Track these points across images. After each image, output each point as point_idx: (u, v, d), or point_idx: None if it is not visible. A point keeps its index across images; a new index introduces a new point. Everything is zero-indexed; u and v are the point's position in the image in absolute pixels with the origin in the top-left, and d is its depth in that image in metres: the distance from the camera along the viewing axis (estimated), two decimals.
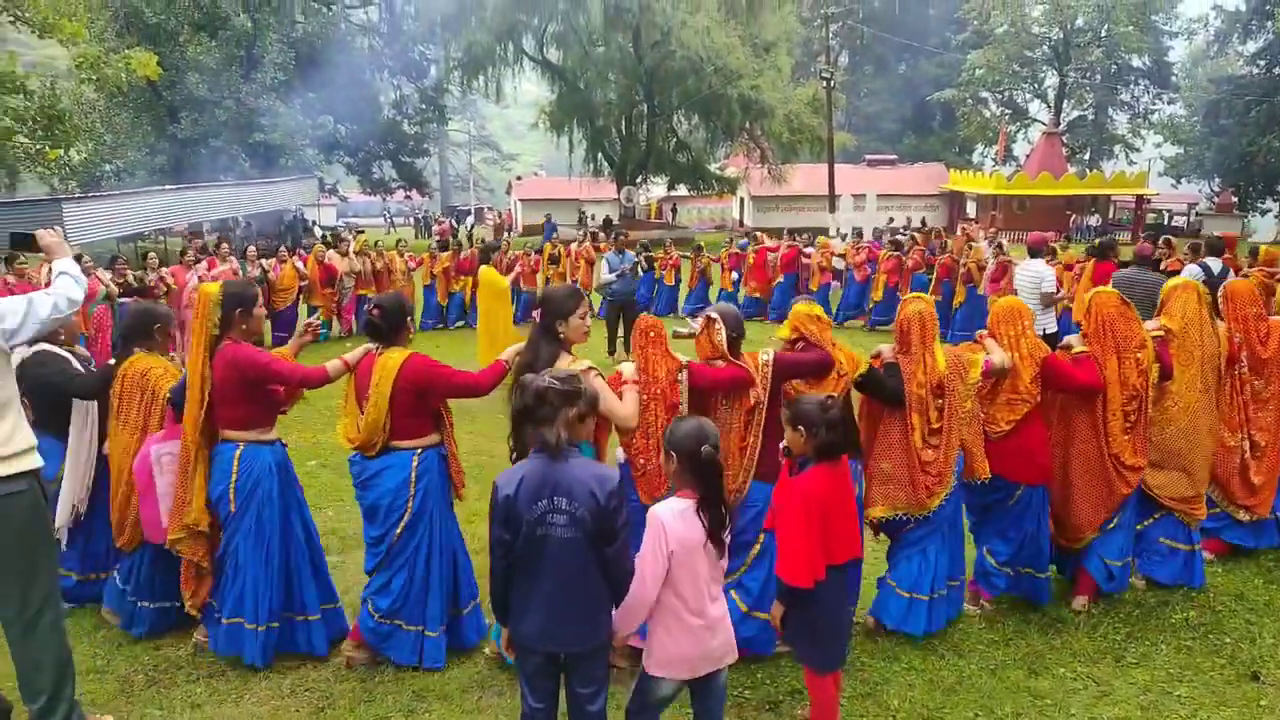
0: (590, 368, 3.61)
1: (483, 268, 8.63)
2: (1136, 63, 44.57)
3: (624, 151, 34.92)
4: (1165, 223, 35.98)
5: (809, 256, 15.01)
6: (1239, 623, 4.37)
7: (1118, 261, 10.23)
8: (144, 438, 4.13)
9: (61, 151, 19.58)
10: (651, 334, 3.89)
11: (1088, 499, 4.44)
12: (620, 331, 11.33)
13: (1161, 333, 4.64)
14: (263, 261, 12.81)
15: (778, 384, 3.91)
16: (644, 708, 2.98)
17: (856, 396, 4.25)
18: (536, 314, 3.77)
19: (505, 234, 33.95)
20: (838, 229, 22.80)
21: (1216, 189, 41.04)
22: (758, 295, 15.24)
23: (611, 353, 11.31)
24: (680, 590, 2.79)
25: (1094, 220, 33.21)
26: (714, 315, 3.94)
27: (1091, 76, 44.36)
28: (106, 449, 4.37)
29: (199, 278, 10.69)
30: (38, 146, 18.86)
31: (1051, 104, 45.38)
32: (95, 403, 4.36)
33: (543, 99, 36.97)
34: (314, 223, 31.07)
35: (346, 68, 31.16)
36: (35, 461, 3.19)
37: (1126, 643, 4.21)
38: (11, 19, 16.40)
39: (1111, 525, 4.46)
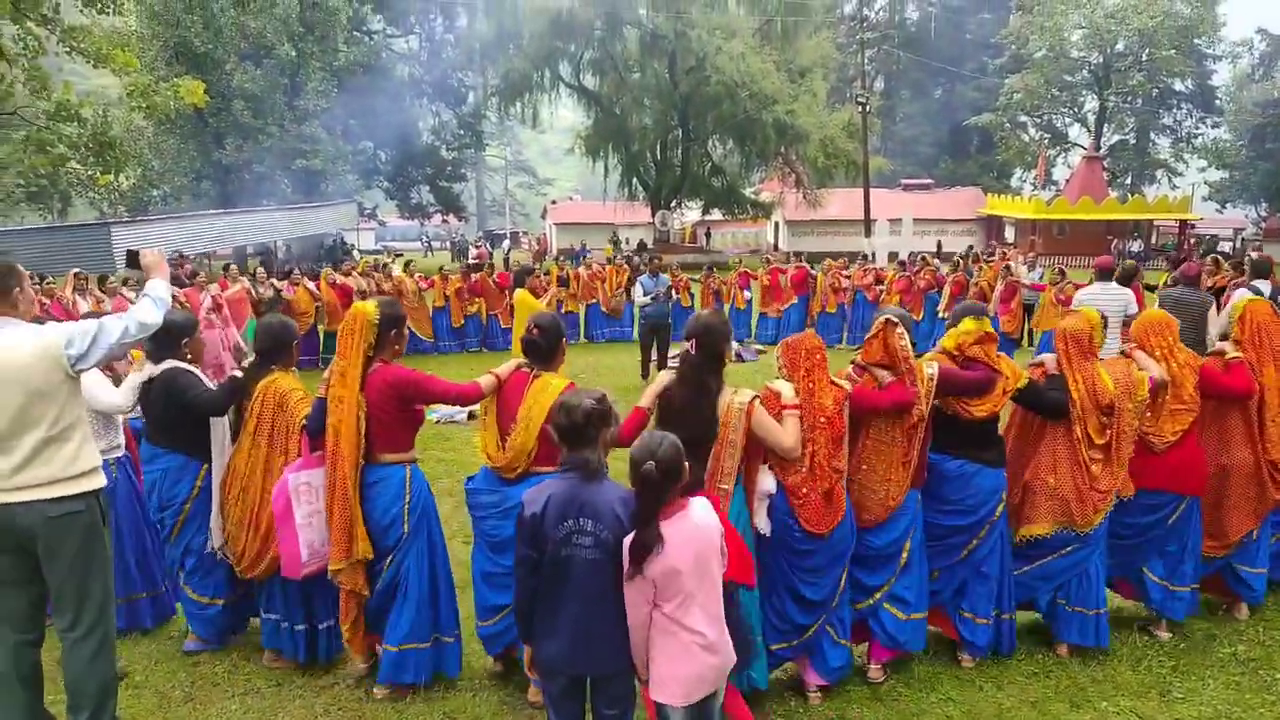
0: (755, 397, 3.48)
1: (518, 291, 8.65)
2: (1179, 86, 44.01)
3: (659, 176, 35.17)
4: (1211, 248, 35.38)
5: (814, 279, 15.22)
6: None
7: (1144, 285, 10.13)
8: (284, 461, 3.96)
9: (111, 177, 20.17)
10: (818, 356, 3.72)
11: (1240, 507, 4.45)
12: (654, 355, 11.35)
13: None
14: (273, 281, 12.92)
15: (938, 397, 3.86)
16: None
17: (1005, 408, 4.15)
18: (690, 345, 3.51)
19: (544, 258, 34.25)
20: (872, 253, 22.67)
21: (1264, 214, 40.28)
22: (776, 317, 15.31)
23: (645, 376, 11.31)
24: (669, 609, 2.72)
25: (1136, 245, 32.72)
26: (893, 319, 3.81)
27: (1133, 100, 43.84)
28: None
29: (212, 298, 10.75)
30: (89, 172, 19.47)
31: (1091, 128, 44.90)
32: (228, 426, 4.23)
33: (579, 124, 37.43)
34: (353, 246, 31.61)
35: (387, 94, 31.79)
36: (96, 482, 3.21)
37: (1172, 677, 4.09)
38: (68, 50, 16.97)
39: (1255, 536, 4.51)
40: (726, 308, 16.01)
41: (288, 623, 4.12)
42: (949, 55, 47.48)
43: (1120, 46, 42.13)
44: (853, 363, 3.98)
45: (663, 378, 3.63)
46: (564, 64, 33.82)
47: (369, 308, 3.75)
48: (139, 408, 4.28)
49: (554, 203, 47.94)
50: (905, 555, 3.88)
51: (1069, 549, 4.11)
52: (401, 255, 23.72)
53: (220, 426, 4.20)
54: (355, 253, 29.87)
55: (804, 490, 3.60)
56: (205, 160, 28.08)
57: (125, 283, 10.67)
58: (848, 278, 14.97)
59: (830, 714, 3.79)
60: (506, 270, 15.71)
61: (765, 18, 33.23)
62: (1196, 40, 41.38)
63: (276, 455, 4.00)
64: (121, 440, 4.58)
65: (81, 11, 17.97)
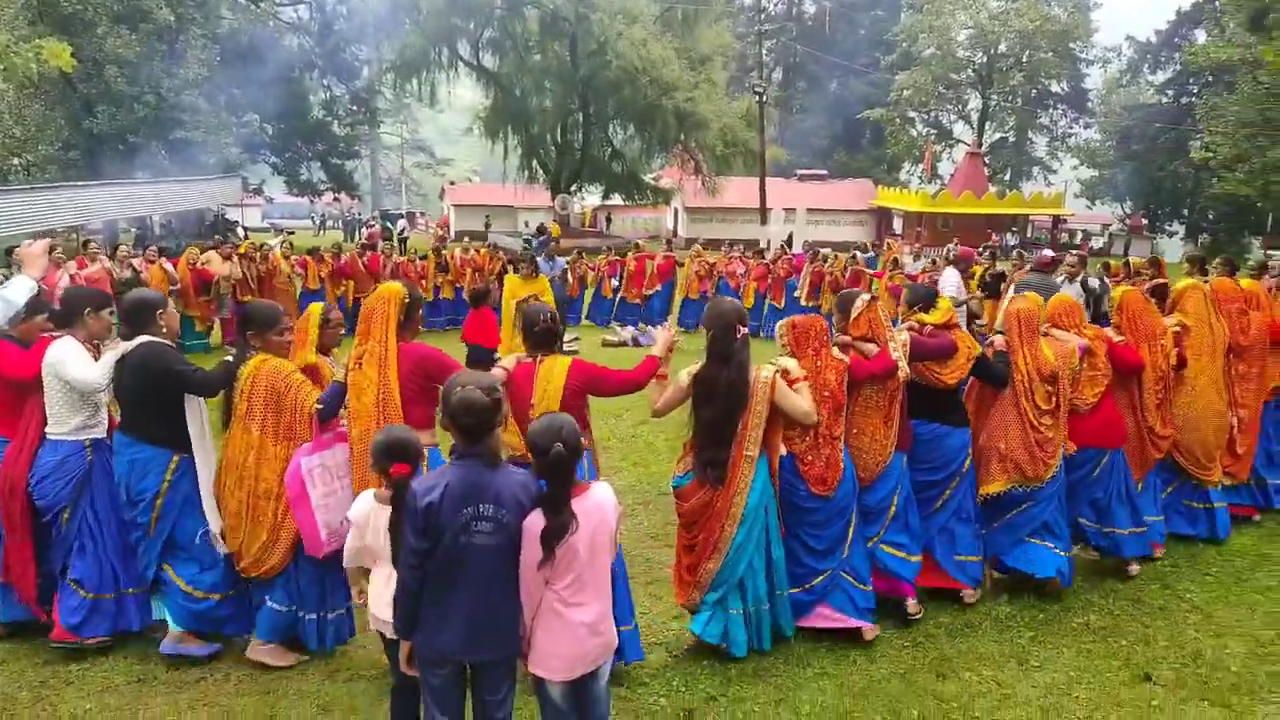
0: (775, 372, 3.98)
1: (508, 275, 8.65)
2: (1055, 88, 46.30)
3: (559, 159, 34.86)
4: (1082, 242, 37.52)
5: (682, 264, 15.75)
6: (1135, 626, 4.54)
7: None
8: (285, 447, 3.81)
9: None
10: (825, 337, 4.27)
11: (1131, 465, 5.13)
12: None
13: (1179, 328, 5.46)
14: (133, 261, 11.97)
15: (911, 363, 4.41)
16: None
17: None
18: (742, 331, 3.93)
19: (448, 240, 33.46)
20: (767, 242, 23.11)
21: (1129, 211, 42.93)
22: (636, 302, 15.60)
23: None
24: (559, 589, 2.77)
25: (1012, 239, 34.32)
26: (874, 297, 4.48)
27: (1013, 100, 45.91)
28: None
29: (70, 276, 9.93)
30: None
31: (975, 125, 46.83)
32: (205, 410, 3.98)
33: (478, 104, 36.67)
34: (237, 223, 30.19)
35: (274, 65, 30.42)
36: None
37: (1031, 646, 4.33)
38: None
39: (1140, 488, 5.19)
40: (590, 292, 16.21)
41: (302, 611, 3.97)
42: (844, 49, 48.57)
43: (1002, 48, 44.02)
44: (839, 340, 4.46)
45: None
46: (463, 42, 33.04)
47: (397, 287, 3.89)
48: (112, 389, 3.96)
49: (452, 183, 46.89)
50: (894, 509, 4.43)
51: (1024, 506, 4.69)
52: (294, 233, 22.70)
53: (197, 412, 3.93)
54: (240, 229, 28.54)
55: (809, 457, 4.13)
56: (74, 128, 26.23)
57: None
58: (710, 265, 15.61)
59: (710, 691, 3.86)
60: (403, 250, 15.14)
61: (666, 4, 33.27)
62: (1072, 44, 43.60)
63: (271, 441, 3.82)
64: (101, 420, 4.14)
65: None
